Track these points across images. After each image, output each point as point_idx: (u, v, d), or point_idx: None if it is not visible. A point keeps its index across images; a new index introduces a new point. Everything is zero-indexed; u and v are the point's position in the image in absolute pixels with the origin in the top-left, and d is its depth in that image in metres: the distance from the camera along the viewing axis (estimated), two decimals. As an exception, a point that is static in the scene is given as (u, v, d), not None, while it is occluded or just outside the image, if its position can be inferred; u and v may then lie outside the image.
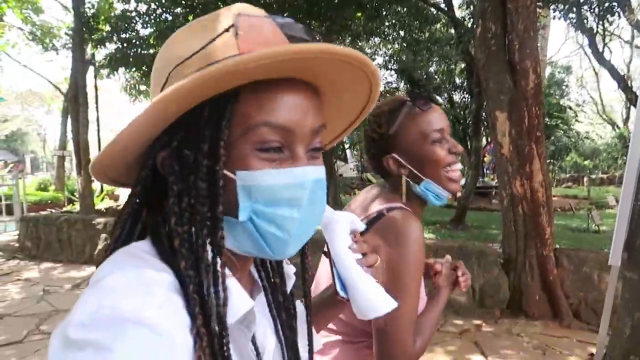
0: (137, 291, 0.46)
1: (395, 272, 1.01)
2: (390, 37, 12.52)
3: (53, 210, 10.92)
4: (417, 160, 1.14)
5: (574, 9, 6.31)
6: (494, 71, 4.60)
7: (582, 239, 7.53)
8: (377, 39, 13.17)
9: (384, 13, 9.93)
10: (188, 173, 0.53)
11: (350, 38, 11.93)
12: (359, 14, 9.41)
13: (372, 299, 0.73)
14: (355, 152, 19.75)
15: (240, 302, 0.56)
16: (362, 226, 0.80)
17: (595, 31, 6.45)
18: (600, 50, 6.26)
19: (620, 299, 1.83)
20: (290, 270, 0.75)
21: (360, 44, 13.17)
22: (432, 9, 10.44)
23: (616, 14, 6.72)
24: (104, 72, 10.37)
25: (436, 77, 12.74)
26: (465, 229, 8.99)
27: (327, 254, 0.77)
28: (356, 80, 0.59)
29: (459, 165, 1.17)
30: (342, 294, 0.74)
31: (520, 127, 4.42)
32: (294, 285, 0.74)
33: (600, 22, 6.72)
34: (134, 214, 0.58)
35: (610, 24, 7.25)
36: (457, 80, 12.18)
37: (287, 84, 0.54)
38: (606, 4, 6.69)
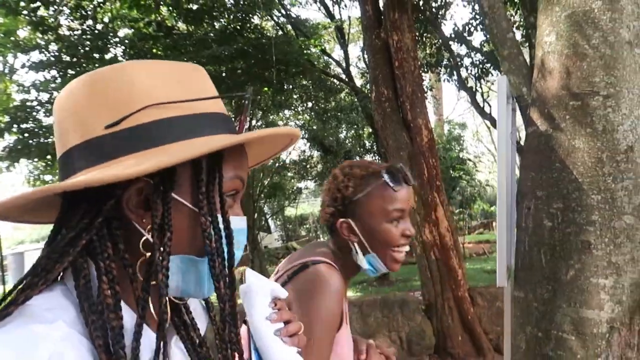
0: (19, 350, 0.45)
1: (306, 325, 0.92)
2: (299, 109, 13.12)
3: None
4: (370, 234, 1.14)
5: (454, 72, 7.14)
6: (391, 130, 5.01)
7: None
8: (287, 111, 13.74)
9: (290, 87, 10.47)
10: (165, 211, 0.55)
11: (260, 112, 12.35)
12: (266, 89, 9.83)
13: None
14: (278, 221, 19.73)
15: (149, 340, 0.55)
16: (283, 294, 0.78)
17: (475, 90, 7.29)
18: (482, 106, 7.09)
19: (513, 318, 2.02)
20: (198, 307, 0.74)
21: (271, 117, 13.64)
22: (335, 80, 11.20)
23: (490, 74, 7.69)
24: (3, 165, 9.82)
25: (346, 142, 13.37)
26: (391, 284, 9.15)
27: (247, 323, 0.76)
28: (283, 138, 0.72)
29: (407, 248, 1.18)
30: None
31: (421, 179, 4.79)
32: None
33: (479, 82, 7.64)
34: (88, 249, 0.54)
35: (487, 83, 8.25)
36: (367, 144, 12.84)
37: (242, 146, 0.64)
38: (482, 67, 7.62)
